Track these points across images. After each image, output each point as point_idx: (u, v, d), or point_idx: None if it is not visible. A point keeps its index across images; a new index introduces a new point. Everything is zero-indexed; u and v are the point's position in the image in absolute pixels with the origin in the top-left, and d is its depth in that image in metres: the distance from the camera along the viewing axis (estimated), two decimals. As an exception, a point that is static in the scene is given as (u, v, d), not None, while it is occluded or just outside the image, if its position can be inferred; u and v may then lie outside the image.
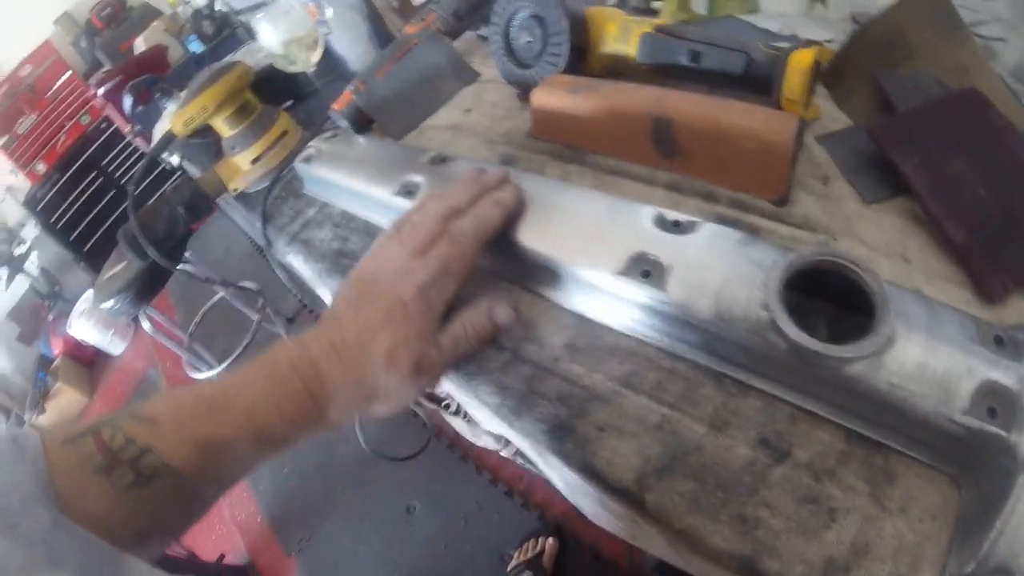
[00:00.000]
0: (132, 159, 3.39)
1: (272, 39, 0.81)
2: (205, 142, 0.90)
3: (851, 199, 0.48)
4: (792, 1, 0.64)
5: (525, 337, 0.47)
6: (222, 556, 2.19)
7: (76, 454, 0.37)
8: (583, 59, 0.64)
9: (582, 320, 0.46)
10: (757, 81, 0.54)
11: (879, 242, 0.44)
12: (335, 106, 0.77)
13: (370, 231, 0.63)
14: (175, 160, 1.21)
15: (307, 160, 0.69)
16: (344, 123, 0.78)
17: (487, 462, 1.88)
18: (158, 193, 0.89)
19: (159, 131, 0.83)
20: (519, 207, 0.48)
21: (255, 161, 0.78)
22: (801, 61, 0.50)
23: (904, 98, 0.51)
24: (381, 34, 0.92)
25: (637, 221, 0.43)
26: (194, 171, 1.19)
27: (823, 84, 0.56)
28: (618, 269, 0.41)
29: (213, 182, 0.81)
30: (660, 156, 0.53)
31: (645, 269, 0.40)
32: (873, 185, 0.48)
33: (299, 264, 0.68)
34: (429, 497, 1.95)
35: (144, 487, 0.37)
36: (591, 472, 0.39)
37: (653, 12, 0.80)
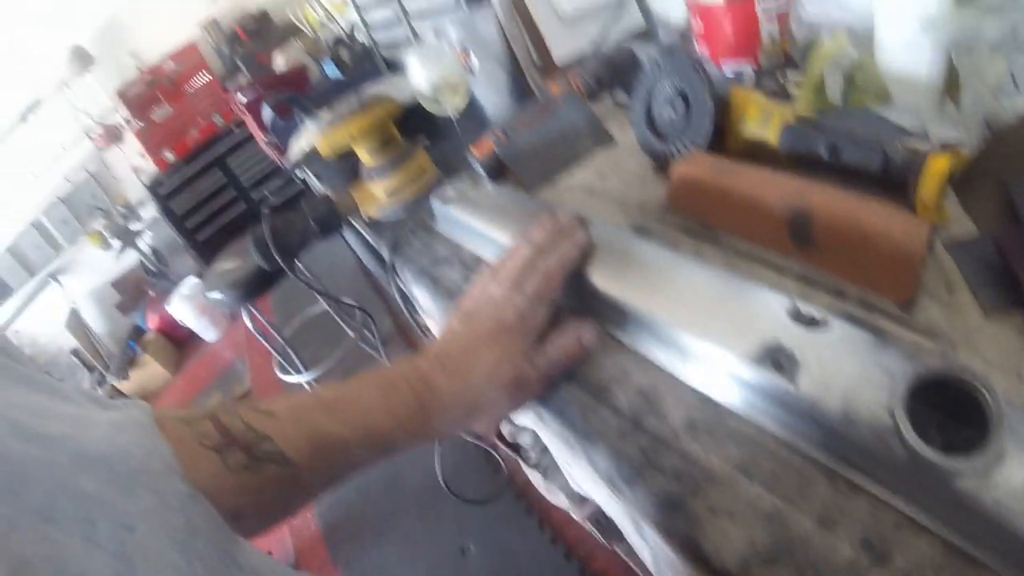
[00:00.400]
0: (256, 165, 3.56)
1: (421, 77, 0.86)
2: (342, 164, 0.97)
3: (973, 310, 0.47)
4: (925, 96, 0.64)
5: (646, 408, 0.48)
6: (269, 553, 2.25)
7: (192, 431, 0.39)
8: (721, 137, 0.66)
9: (702, 398, 0.47)
10: (891, 180, 0.54)
11: (995, 357, 0.43)
12: (475, 152, 0.82)
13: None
14: (302, 175, 1.30)
15: (444, 200, 0.73)
16: (480, 170, 0.82)
17: (552, 519, 1.83)
18: (285, 203, 0.95)
19: (295, 146, 0.89)
20: (591, 246, 0.55)
21: (391, 192, 0.84)
22: (938, 167, 0.50)
23: (1032, 211, 0.51)
24: (520, 88, 0.96)
25: (771, 310, 0.44)
26: (320, 189, 1.26)
27: (951, 188, 0.56)
28: (751, 355, 0.42)
29: (348, 204, 0.87)
30: (794, 246, 0.54)
31: (777, 360, 0.41)
32: (995, 297, 0.47)
33: (424, 297, 0.71)
34: (486, 543, 1.91)
35: (256, 471, 0.40)
36: (696, 551, 0.39)
37: (788, 96, 0.81)
